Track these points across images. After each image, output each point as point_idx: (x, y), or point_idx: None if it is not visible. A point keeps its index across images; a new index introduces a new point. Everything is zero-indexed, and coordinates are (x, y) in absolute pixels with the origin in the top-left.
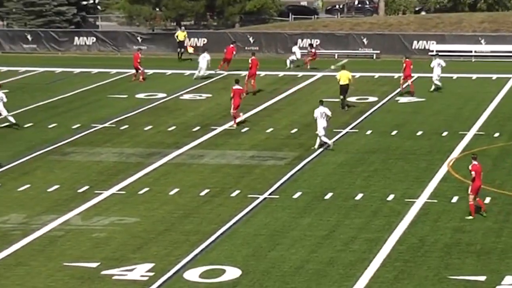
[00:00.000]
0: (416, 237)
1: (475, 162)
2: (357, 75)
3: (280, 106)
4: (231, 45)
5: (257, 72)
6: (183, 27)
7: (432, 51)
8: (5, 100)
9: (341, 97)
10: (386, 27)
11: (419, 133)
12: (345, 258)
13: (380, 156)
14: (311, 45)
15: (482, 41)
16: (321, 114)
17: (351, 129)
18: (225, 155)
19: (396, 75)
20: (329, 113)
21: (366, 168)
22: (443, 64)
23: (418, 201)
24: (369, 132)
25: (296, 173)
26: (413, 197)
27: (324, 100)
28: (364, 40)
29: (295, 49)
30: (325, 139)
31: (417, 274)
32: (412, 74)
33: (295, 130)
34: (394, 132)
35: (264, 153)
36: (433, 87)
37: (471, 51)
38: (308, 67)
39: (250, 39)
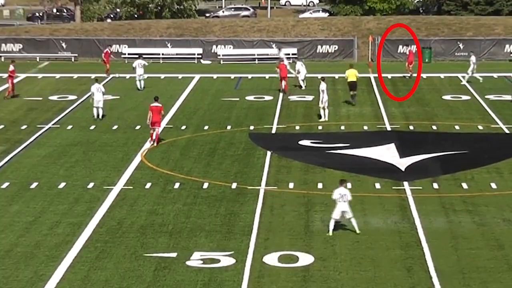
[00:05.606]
0: (114, 220)
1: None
2: (58, 76)
3: None
4: (281, 62)
5: None
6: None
7: (125, 54)
8: None
9: (351, 93)
10: (82, 32)
11: (115, 127)
12: (50, 241)
13: (80, 148)
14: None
15: (168, 44)
16: (322, 91)
17: (53, 124)
18: None
19: (92, 75)
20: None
21: (68, 159)
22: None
23: (116, 188)
24: (70, 127)
25: (4, 166)
26: (111, 185)
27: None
28: (63, 44)
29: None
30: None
31: (116, 253)
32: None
33: (1, 126)
34: (92, 127)
35: None
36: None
37: (159, 54)
38: None
39: None
